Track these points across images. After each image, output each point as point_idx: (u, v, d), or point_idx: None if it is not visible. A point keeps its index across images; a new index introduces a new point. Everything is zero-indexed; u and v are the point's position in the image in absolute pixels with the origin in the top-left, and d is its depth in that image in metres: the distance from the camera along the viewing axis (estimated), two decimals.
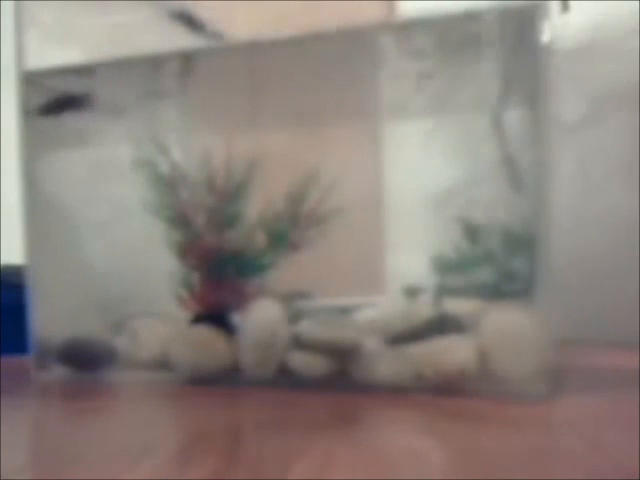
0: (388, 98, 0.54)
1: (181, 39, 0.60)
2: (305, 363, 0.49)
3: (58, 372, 0.55)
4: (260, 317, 0.50)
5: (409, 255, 0.52)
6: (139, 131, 0.57)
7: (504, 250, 0.48)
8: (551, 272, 0.44)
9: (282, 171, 0.54)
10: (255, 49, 0.53)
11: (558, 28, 0.44)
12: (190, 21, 0.61)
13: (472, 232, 0.49)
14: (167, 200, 0.56)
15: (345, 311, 0.52)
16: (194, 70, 0.56)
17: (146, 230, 0.57)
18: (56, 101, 0.56)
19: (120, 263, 0.58)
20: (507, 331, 0.45)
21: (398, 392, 0.46)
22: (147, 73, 0.57)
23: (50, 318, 0.56)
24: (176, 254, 0.56)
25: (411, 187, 0.53)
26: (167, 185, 0.56)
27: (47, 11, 0.56)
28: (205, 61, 0.55)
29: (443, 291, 0.49)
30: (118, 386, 0.52)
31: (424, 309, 0.49)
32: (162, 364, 0.53)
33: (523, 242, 0.46)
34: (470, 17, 0.46)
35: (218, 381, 0.50)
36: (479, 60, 0.48)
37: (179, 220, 0.56)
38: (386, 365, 0.47)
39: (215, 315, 0.54)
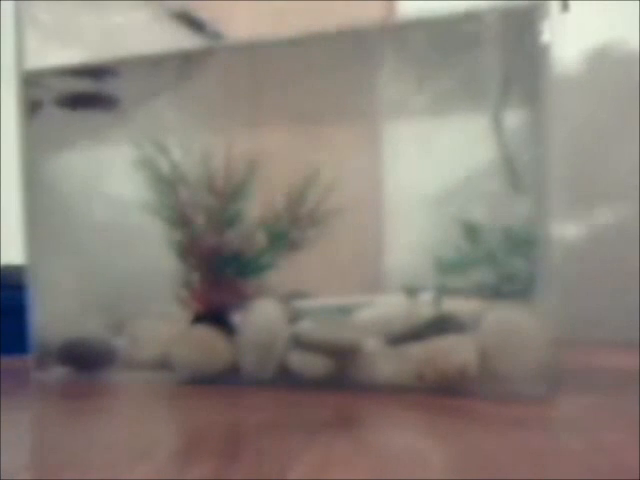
0: (388, 98, 0.54)
1: (181, 39, 0.60)
2: (305, 363, 0.49)
3: (58, 372, 0.55)
4: (260, 317, 0.50)
5: (409, 255, 0.52)
6: (139, 131, 0.57)
7: (504, 250, 0.48)
8: (551, 272, 0.44)
9: (282, 171, 0.54)
10: (255, 49, 0.53)
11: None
12: (190, 21, 0.61)
13: (472, 232, 0.48)
14: (167, 200, 0.56)
15: (345, 311, 0.52)
16: (194, 70, 0.56)
17: (146, 230, 0.57)
18: (78, 96, 0.56)
19: (120, 263, 0.58)
20: (507, 331, 0.45)
21: (398, 392, 0.46)
22: (147, 73, 0.57)
23: (50, 318, 0.56)
24: (176, 254, 0.56)
25: (411, 187, 0.53)
26: (167, 185, 0.56)
27: (47, 11, 0.56)
28: (205, 61, 0.55)
29: (443, 291, 0.49)
30: (118, 386, 0.52)
31: (424, 309, 0.49)
32: (162, 364, 0.53)
33: (523, 242, 0.46)
34: (470, 17, 0.46)
35: (218, 381, 0.50)
36: (479, 60, 0.48)
37: (179, 220, 0.56)
38: (386, 365, 0.47)
39: (215, 315, 0.54)
